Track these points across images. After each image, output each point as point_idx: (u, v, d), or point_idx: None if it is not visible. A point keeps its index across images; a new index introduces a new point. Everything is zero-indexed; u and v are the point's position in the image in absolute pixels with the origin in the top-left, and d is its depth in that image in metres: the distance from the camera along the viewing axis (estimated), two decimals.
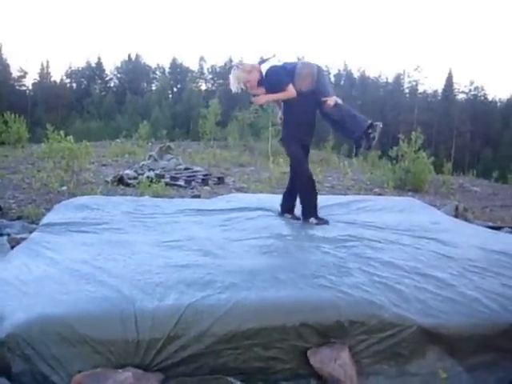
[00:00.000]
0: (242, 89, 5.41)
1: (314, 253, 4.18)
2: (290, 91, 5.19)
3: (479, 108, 73.17)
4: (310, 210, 5.45)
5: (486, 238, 5.37)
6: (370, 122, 5.32)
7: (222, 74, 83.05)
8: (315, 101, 5.32)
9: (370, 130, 5.29)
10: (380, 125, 5.32)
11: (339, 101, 5.37)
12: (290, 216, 5.60)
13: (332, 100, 5.26)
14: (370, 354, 2.96)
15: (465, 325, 3.11)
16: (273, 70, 5.27)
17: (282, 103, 5.52)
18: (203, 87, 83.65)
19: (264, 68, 5.32)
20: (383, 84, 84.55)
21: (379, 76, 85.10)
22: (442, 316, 3.12)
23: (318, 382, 2.81)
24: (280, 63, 5.35)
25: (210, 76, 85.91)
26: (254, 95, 5.40)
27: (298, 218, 5.53)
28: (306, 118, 5.42)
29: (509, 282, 3.76)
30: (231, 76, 5.38)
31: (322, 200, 5.89)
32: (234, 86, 5.38)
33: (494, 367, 3.05)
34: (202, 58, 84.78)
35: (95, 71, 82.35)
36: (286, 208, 5.70)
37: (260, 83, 5.36)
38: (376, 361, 2.95)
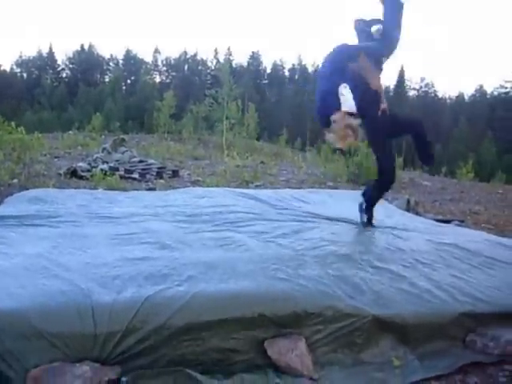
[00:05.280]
0: None
1: (271, 245, 4.24)
2: None
3: (429, 104, 74.91)
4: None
5: (437, 230, 5.54)
6: None
7: (176, 66, 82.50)
8: None
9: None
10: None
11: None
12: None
13: None
14: (325, 343, 3.03)
15: (417, 314, 3.21)
16: None
17: None
18: (157, 79, 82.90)
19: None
20: None
21: None
22: (395, 306, 3.22)
23: (276, 373, 2.84)
24: None
25: (165, 68, 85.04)
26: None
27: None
28: None
29: (458, 273, 3.90)
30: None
31: (279, 193, 5.95)
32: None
33: (444, 354, 3.16)
34: (156, 50, 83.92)
35: (47, 61, 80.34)
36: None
37: None
38: (331, 350, 3.02)
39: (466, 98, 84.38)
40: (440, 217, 8.05)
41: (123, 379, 2.60)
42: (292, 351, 2.88)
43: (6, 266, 3.38)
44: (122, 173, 11.52)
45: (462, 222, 7.86)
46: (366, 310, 3.11)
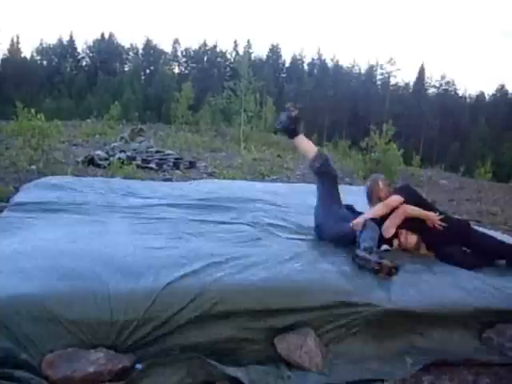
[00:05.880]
0: None
1: (286, 238, 4.26)
2: None
3: (449, 102, 74.12)
4: None
5: None
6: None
7: (195, 57, 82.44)
8: None
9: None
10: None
11: None
12: None
13: None
14: (336, 336, 3.06)
15: (430, 309, 3.24)
16: None
17: None
18: (176, 70, 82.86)
19: None
20: (356, 74, 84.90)
21: (353, 66, 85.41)
22: (409, 300, 3.23)
23: (287, 366, 2.86)
24: None
25: (184, 59, 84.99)
26: None
27: None
28: None
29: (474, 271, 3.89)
30: None
31: (295, 187, 5.94)
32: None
33: (458, 348, 3.18)
34: (176, 41, 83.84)
35: (67, 49, 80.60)
36: None
37: None
38: (342, 343, 3.06)
39: (487, 97, 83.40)
40: (456, 216, 8.00)
41: (138, 366, 2.63)
42: (301, 348, 2.89)
43: (24, 251, 3.41)
44: (139, 162, 11.58)
45: (479, 222, 7.81)
46: (378, 303, 3.13)
